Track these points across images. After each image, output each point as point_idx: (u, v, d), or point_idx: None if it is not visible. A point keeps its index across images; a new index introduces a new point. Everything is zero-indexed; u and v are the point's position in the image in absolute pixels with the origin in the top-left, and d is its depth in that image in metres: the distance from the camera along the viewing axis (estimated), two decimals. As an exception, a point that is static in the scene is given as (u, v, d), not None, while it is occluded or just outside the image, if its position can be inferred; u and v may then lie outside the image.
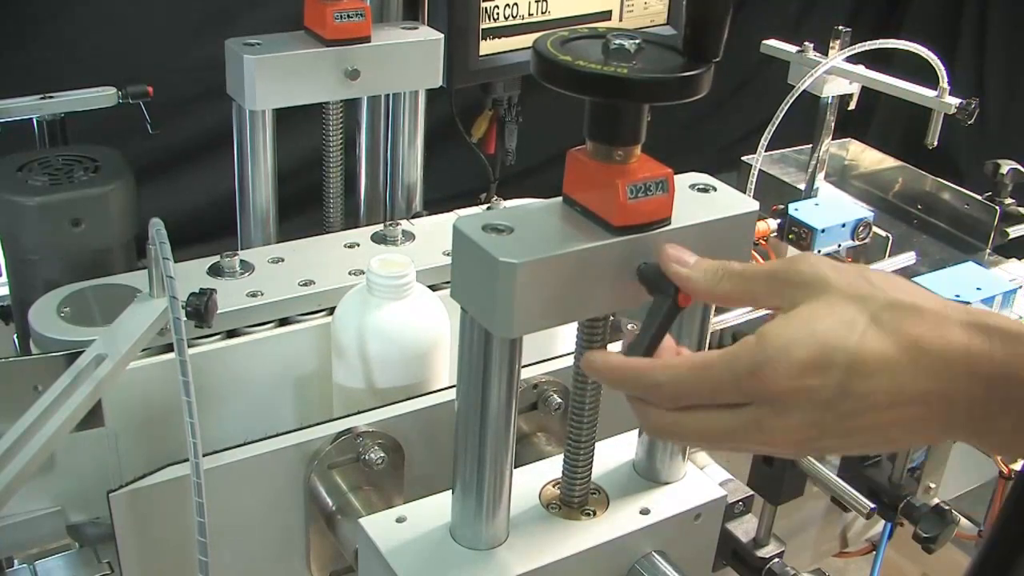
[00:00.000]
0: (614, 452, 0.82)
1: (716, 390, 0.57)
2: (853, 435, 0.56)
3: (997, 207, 1.54)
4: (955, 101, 1.40)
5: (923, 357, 0.54)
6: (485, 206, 1.31)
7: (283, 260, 1.12)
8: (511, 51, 1.35)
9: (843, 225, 1.32)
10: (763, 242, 1.35)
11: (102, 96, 1.30)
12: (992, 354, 0.54)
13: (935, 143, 1.45)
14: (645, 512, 0.77)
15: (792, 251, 1.33)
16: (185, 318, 0.82)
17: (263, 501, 0.88)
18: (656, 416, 0.60)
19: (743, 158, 1.60)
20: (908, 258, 1.38)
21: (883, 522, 1.07)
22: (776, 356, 0.55)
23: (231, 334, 1.03)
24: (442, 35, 1.24)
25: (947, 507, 1.02)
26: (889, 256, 1.40)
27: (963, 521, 1.06)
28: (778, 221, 1.34)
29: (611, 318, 0.72)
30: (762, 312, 0.97)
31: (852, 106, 1.54)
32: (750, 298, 0.61)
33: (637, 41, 0.62)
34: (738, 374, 0.56)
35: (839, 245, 1.33)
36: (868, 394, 0.54)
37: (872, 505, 0.90)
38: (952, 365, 0.54)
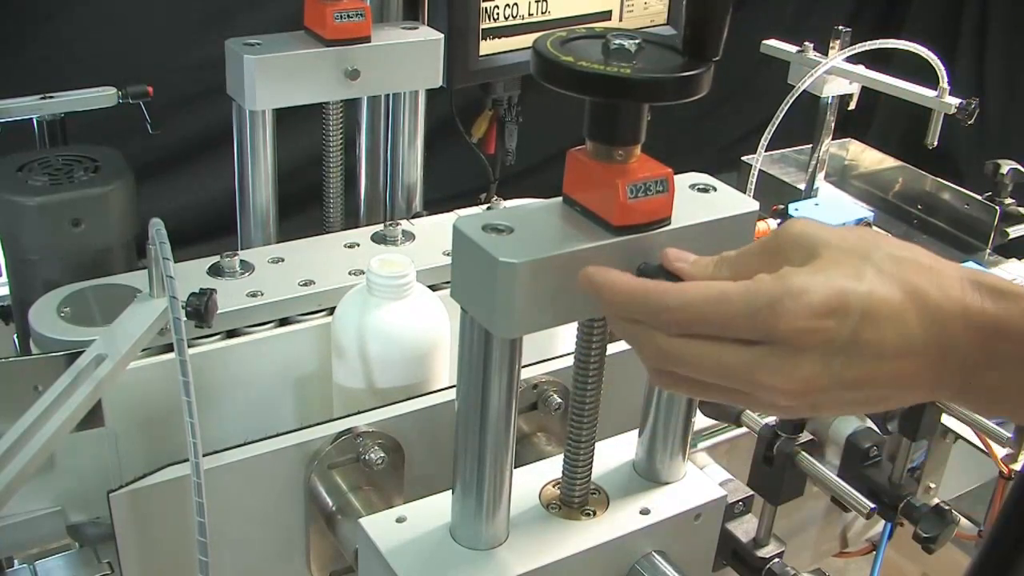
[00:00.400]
0: (614, 452, 0.82)
1: (729, 322, 0.55)
2: (855, 388, 0.55)
3: (997, 207, 1.54)
4: (955, 101, 1.40)
5: (925, 307, 0.55)
6: (485, 206, 1.32)
7: (283, 260, 1.12)
8: (511, 51, 1.35)
9: (843, 225, 1.32)
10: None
11: (102, 96, 1.30)
12: (985, 308, 0.55)
13: (935, 143, 1.45)
14: (645, 512, 0.77)
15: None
16: (185, 318, 0.82)
17: (263, 501, 0.88)
18: (661, 341, 0.57)
19: (743, 158, 1.61)
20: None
21: (883, 522, 1.07)
22: (795, 294, 0.54)
23: (231, 334, 1.03)
24: (442, 35, 1.24)
25: (947, 507, 1.01)
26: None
27: (963, 521, 1.06)
28: (778, 221, 1.34)
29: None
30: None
31: (852, 106, 1.54)
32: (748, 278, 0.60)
33: (637, 41, 0.62)
34: (755, 307, 0.55)
35: (839, 245, 1.33)
36: (878, 341, 0.54)
37: (872, 505, 0.89)
38: (950, 316, 0.55)
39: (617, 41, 0.62)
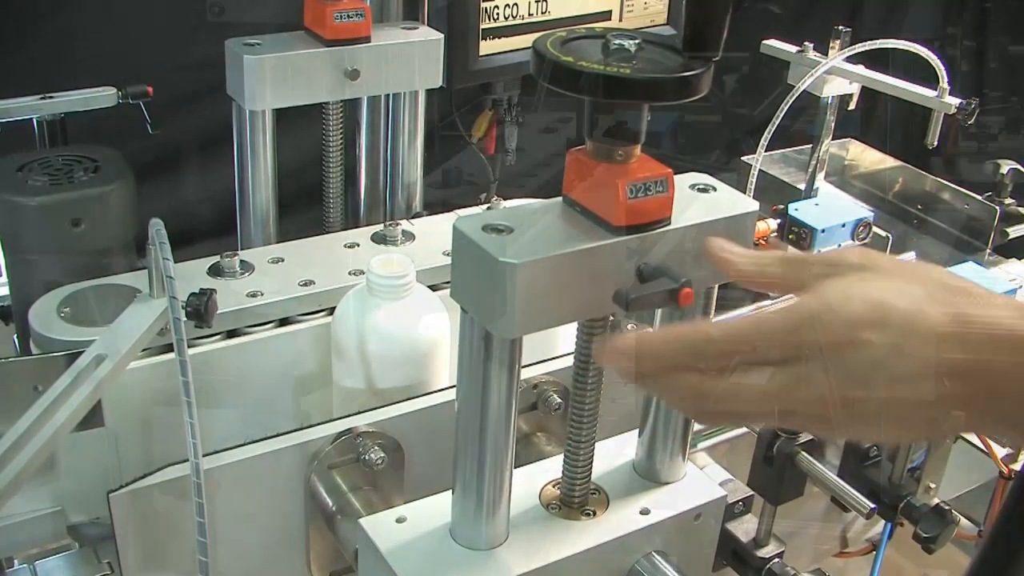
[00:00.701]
0: (614, 452, 0.82)
1: (770, 340, 0.56)
2: (893, 408, 0.55)
3: (997, 207, 1.54)
4: (955, 101, 1.40)
5: (971, 332, 0.55)
6: (485, 206, 1.32)
7: (283, 260, 1.12)
8: (511, 51, 1.35)
9: (843, 225, 1.32)
10: (763, 242, 1.35)
11: (102, 96, 1.30)
12: None
13: (935, 143, 1.45)
14: (645, 512, 0.77)
15: (792, 251, 1.33)
16: (185, 318, 0.82)
17: (263, 501, 0.88)
18: (707, 386, 0.57)
19: (743, 158, 1.60)
20: (908, 258, 1.38)
21: (883, 522, 1.07)
22: (834, 306, 0.55)
23: (231, 334, 1.03)
24: (442, 35, 1.24)
25: (947, 507, 1.02)
26: (889, 256, 1.40)
27: (963, 521, 1.06)
28: (778, 221, 1.34)
29: (611, 318, 0.72)
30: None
31: (852, 106, 1.54)
32: (798, 283, 0.60)
33: (637, 41, 0.62)
34: (794, 323, 0.55)
35: (839, 245, 1.33)
36: (918, 359, 0.54)
37: (872, 505, 0.89)
38: (998, 342, 0.55)
39: (617, 41, 0.62)
